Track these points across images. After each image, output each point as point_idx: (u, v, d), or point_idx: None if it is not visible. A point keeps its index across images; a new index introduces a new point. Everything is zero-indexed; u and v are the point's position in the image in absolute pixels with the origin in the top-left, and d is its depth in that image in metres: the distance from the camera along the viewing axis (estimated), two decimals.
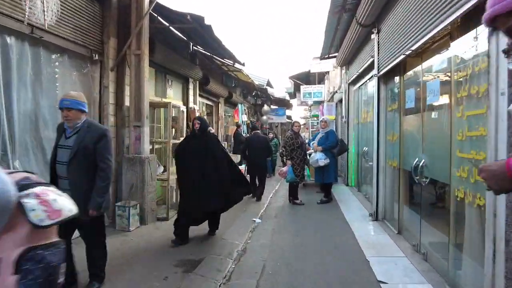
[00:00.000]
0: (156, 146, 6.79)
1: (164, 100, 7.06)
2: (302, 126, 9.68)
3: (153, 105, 5.95)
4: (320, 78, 14.79)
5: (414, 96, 4.10)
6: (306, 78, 15.03)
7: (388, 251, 4.06)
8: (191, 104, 8.73)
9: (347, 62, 8.43)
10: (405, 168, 4.52)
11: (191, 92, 8.78)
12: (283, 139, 13.79)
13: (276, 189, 9.10)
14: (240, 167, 10.58)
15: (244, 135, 12.14)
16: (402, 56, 4.08)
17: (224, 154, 4.78)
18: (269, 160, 8.97)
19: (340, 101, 11.00)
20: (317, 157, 6.79)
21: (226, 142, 10.96)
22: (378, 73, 5.35)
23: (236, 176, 4.78)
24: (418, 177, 3.75)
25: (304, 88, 13.78)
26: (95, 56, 4.98)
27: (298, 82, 14.36)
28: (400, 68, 4.65)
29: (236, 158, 10.01)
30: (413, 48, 3.62)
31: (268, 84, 13.49)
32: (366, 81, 6.97)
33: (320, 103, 14.72)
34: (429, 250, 3.64)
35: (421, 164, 3.67)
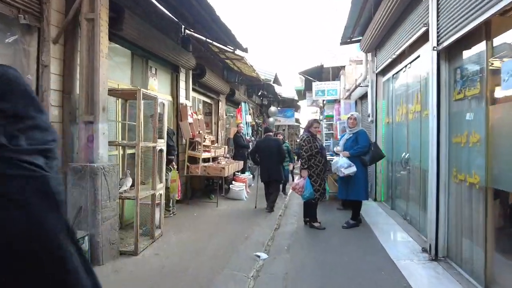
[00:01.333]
0: (131, 151, 5.20)
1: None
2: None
3: (117, 94, 4.36)
4: (335, 74, 13.11)
5: None
6: (318, 75, 13.36)
7: None
8: (182, 100, 7.14)
9: (375, 46, 6.76)
10: (499, 188, 2.84)
11: (182, 84, 7.18)
12: (296, 143, 11.85)
13: (286, 203, 7.43)
14: (243, 175, 9.01)
15: (247, 137, 10.52)
16: None
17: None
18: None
19: (361, 97, 9.33)
20: (340, 163, 5.13)
21: (226, 147, 9.33)
22: (437, 45, 3.69)
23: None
24: None
25: (316, 85, 12.12)
26: (25, 18, 3.39)
27: (310, 78, 12.72)
28: (484, 31, 2.99)
29: (238, 165, 8.38)
30: None
31: (276, 80, 11.87)
32: (405, 66, 5.30)
33: (334, 102, 13.04)
34: None
35: None
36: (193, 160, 7.12)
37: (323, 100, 13.75)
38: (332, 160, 7.31)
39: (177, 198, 5.90)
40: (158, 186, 4.62)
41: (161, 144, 4.69)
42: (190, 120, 7.09)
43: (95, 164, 3.55)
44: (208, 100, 9.71)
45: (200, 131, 7.14)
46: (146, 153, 4.92)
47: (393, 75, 6.15)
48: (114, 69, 5.03)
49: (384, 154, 5.34)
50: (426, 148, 4.33)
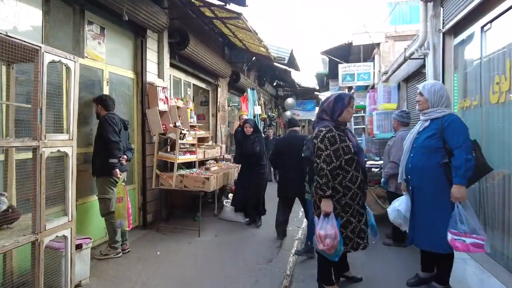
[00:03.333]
0: (24, 156, 2.98)
1: (84, 62, 3.27)
2: None
3: None
4: (366, 55, 10.60)
5: None
6: (345, 56, 10.88)
7: None
8: (151, 77, 4.94)
9: None
10: None
11: (151, 55, 4.96)
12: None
13: (303, 231, 5.08)
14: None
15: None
16: None
17: None
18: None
19: (408, 78, 6.84)
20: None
21: (224, 145, 7.07)
22: None
23: None
24: None
25: (343, 68, 9.65)
26: None
27: (335, 59, 10.25)
28: None
29: (238, 171, 6.07)
30: None
31: (292, 60, 9.45)
32: None
33: (365, 89, 10.53)
34: None
35: None
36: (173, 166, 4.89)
37: (352, 88, 11.23)
38: (373, 168, 4.92)
39: (126, 229, 3.66)
40: (52, 224, 2.41)
41: (61, 144, 2.46)
42: (162, 106, 4.87)
43: None
44: (203, 85, 7.47)
45: (178, 123, 4.89)
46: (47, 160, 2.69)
47: (482, 27, 3.66)
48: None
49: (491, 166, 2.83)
50: None
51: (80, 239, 3.06)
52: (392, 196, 4.17)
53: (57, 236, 2.43)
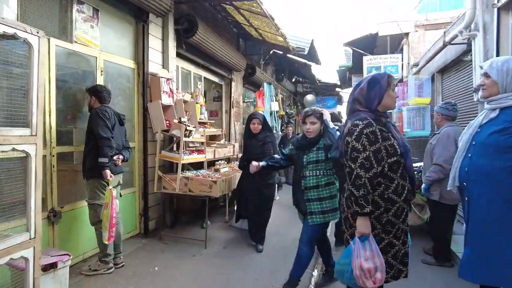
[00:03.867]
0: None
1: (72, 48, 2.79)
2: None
3: None
4: (393, 46, 9.76)
5: None
6: (370, 48, 10.07)
7: None
8: (154, 68, 4.40)
9: None
10: None
11: (153, 42, 4.42)
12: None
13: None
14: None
15: (275, 133, 7.56)
16: None
17: None
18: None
19: (445, 68, 6.03)
20: None
21: (237, 144, 6.47)
22: None
23: None
24: None
25: (368, 60, 8.86)
26: None
27: (359, 50, 9.45)
28: None
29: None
30: None
31: (312, 52, 8.72)
32: None
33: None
34: None
35: None
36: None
37: None
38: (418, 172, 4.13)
39: (106, 242, 3.10)
40: (3, 245, 1.88)
41: (18, 141, 1.93)
42: (166, 100, 4.33)
43: None
44: (216, 79, 6.90)
45: (183, 119, 4.33)
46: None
47: None
48: None
49: None
50: None
51: (57, 255, 2.55)
52: (435, 205, 3.46)
53: (11, 259, 1.90)
